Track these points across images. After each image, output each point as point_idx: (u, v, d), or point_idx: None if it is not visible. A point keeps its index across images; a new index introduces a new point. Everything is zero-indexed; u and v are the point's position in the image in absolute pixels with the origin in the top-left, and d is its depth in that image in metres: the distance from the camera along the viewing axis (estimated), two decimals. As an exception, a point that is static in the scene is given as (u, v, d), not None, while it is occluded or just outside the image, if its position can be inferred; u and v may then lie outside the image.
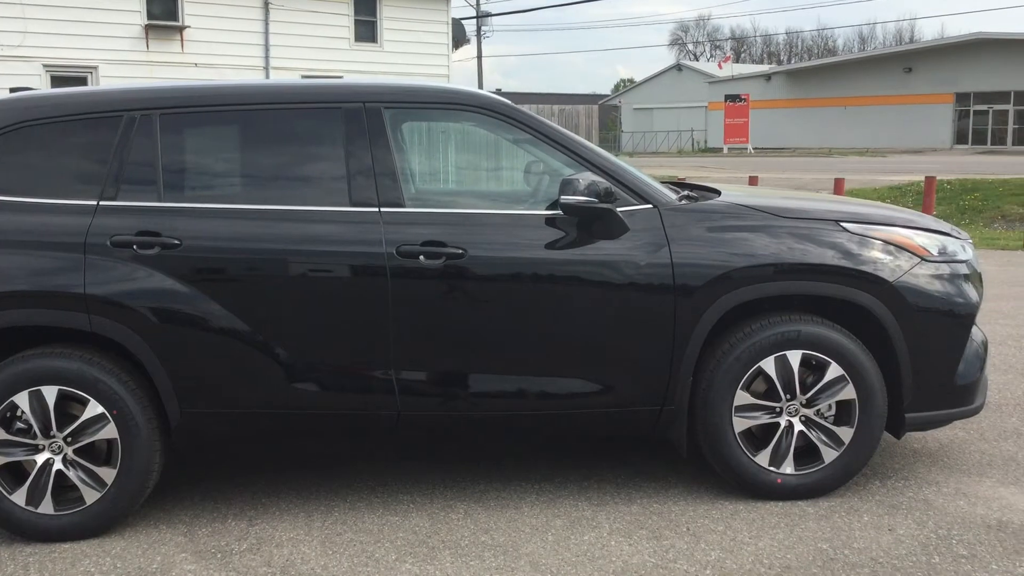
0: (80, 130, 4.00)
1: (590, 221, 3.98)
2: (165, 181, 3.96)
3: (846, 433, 4.10)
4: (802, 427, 4.10)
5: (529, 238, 3.99)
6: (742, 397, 4.07)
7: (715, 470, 4.21)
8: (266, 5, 20.73)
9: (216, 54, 20.13)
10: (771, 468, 4.10)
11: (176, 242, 3.86)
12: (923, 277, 4.11)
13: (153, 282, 3.84)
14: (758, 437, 4.14)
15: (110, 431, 3.87)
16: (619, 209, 4.01)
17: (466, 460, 4.64)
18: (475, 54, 45.37)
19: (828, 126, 51.15)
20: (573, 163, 4.11)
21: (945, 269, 4.20)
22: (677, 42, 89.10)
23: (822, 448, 4.11)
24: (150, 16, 19.42)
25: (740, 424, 4.08)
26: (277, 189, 4.02)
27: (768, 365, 4.05)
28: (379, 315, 3.91)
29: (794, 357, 4.05)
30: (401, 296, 3.91)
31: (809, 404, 4.09)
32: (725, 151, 48.50)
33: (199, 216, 3.92)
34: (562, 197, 3.86)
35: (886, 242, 4.12)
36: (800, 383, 4.08)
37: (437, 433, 4.11)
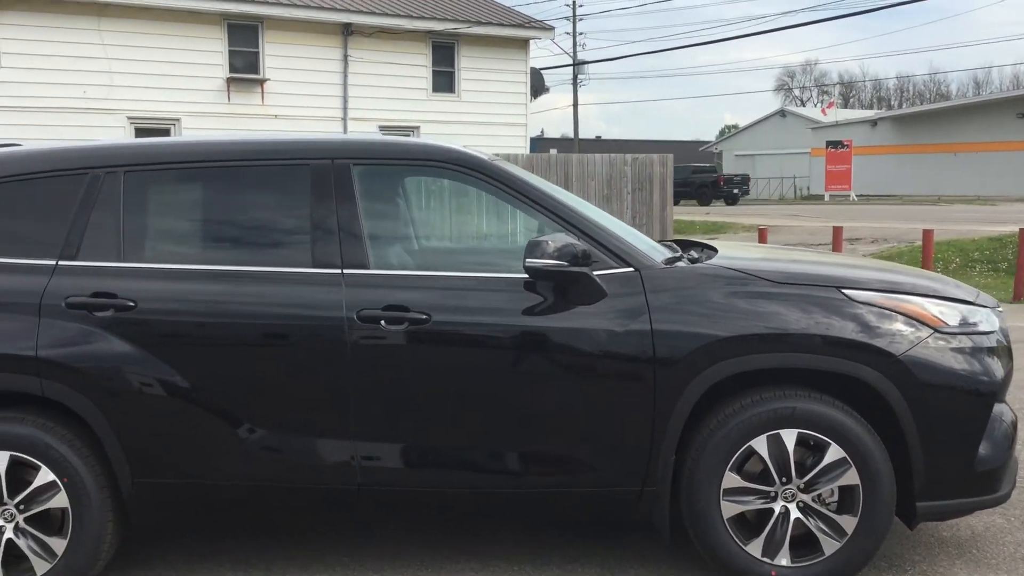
0: (46, 187, 3.92)
1: (564, 285, 3.71)
2: (126, 240, 3.84)
3: (848, 522, 3.70)
4: (799, 514, 3.72)
5: (499, 303, 3.74)
6: (731, 479, 3.71)
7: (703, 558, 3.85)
8: (345, 58, 21.07)
9: (295, 106, 20.51)
10: (764, 559, 3.72)
11: (131, 304, 3.73)
12: (936, 350, 3.71)
13: (106, 346, 3.71)
14: (751, 524, 3.77)
15: (61, 500, 3.73)
16: (597, 273, 3.73)
17: (446, 532, 4.37)
18: (572, 102, 45.46)
19: (937, 172, 49.37)
20: (551, 222, 3.86)
21: (964, 342, 3.79)
22: (783, 87, 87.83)
23: (821, 538, 3.71)
24: (232, 69, 19.92)
25: (729, 509, 3.72)
26: (240, 249, 3.88)
27: (760, 444, 3.69)
28: (338, 384, 3.71)
29: (789, 436, 3.68)
30: (361, 364, 3.70)
31: (807, 489, 3.71)
32: (827, 198, 47.28)
33: (156, 277, 3.79)
34: (527, 260, 3.61)
35: (893, 311, 3.73)
36: (796, 465, 3.70)
37: (400, 509, 3.85)
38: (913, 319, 3.74)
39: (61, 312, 3.73)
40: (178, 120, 19.33)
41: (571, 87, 45.97)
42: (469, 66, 22.71)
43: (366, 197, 3.91)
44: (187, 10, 19.12)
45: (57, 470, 3.71)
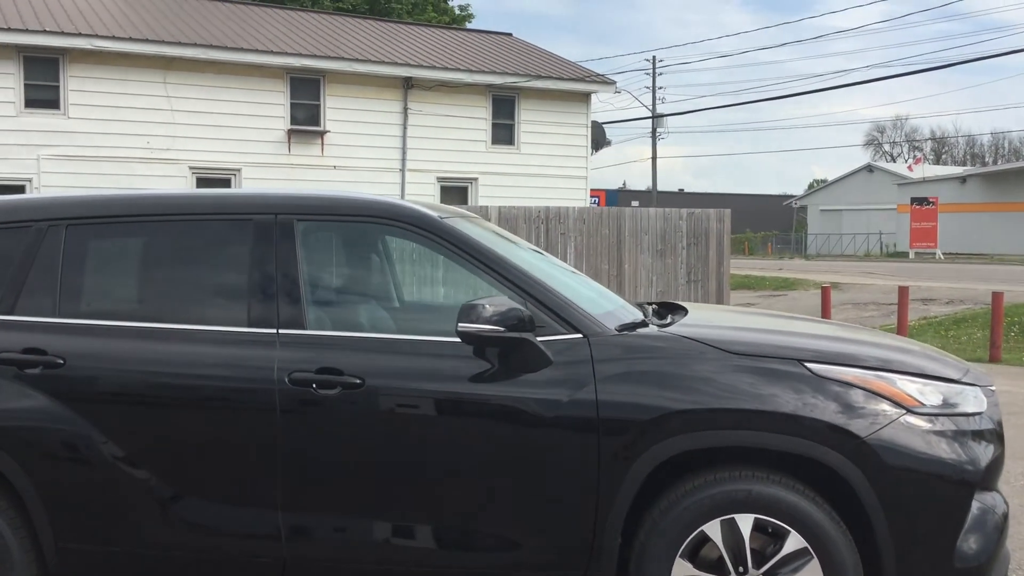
0: None
1: (506, 351, 3.50)
2: (63, 295, 3.76)
3: (811, 619, 3.37)
4: (756, 608, 3.40)
5: (437, 368, 3.54)
6: (682, 567, 3.42)
7: (655, 652, 3.53)
8: (405, 111, 21.25)
9: (354, 157, 20.71)
10: (718, 656, 3.41)
11: (60, 361, 3.63)
12: (909, 432, 3.38)
13: (33, 403, 3.61)
14: (707, 616, 3.47)
15: (-16, 562, 3.61)
16: (543, 338, 3.51)
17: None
18: (651, 155, 45.33)
19: (1028, 231, 47.67)
20: (497, 284, 3.66)
21: (944, 424, 3.46)
22: (873, 142, 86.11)
23: (780, 636, 3.38)
24: (293, 121, 20.23)
25: (680, 599, 3.43)
26: (177, 305, 3.76)
27: (713, 530, 3.40)
28: (266, 450, 3.54)
29: (744, 521, 3.38)
30: (290, 429, 3.53)
31: (765, 580, 3.40)
32: (912, 255, 46.04)
33: (87, 334, 3.69)
34: (459, 324, 3.40)
35: (861, 388, 3.42)
36: (753, 554, 3.40)
37: (328, 586, 3.64)
38: (883, 397, 3.42)
39: None
40: (239, 170, 19.66)
41: (652, 140, 45.80)
42: (529, 119, 22.72)
43: (309, 254, 3.77)
44: (252, 64, 19.52)
45: (-18, 531, 3.60)
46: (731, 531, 3.39)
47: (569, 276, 4.47)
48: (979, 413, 3.57)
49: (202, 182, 19.36)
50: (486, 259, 3.67)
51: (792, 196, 71.05)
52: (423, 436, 3.51)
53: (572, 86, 22.97)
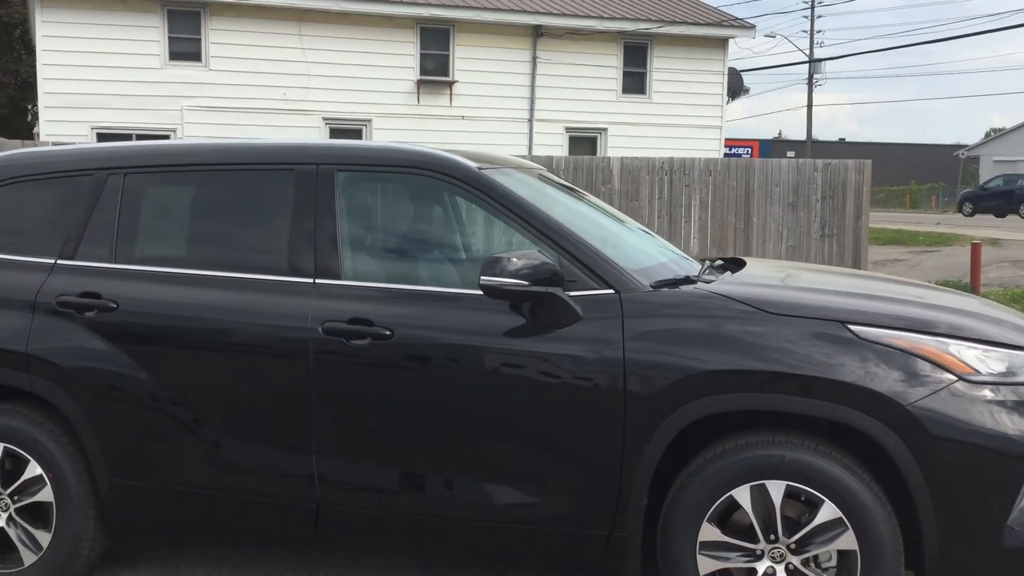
0: (55, 188, 4.04)
1: (534, 306, 3.43)
2: (119, 241, 3.90)
3: (843, 593, 3.21)
4: (786, 578, 3.26)
5: (465, 321, 3.51)
6: (709, 532, 3.31)
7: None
8: (533, 60, 21.09)
9: (482, 107, 20.72)
10: (743, 625, 3.29)
11: (113, 305, 3.78)
12: (958, 401, 3.15)
13: (89, 344, 3.78)
14: (737, 583, 3.35)
15: (47, 494, 3.83)
16: (574, 293, 3.43)
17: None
18: (806, 103, 43.73)
19: None
20: (530, 236, 3.59)
21: (1004, 393, 3.20)
22: None
23: (810, 608, 3.24)
24: (423, 72, 20.38)
25: (707, 565, 3.32)
26: (222, 253, 3.84)
27: (742, 495, 3.27)
28: (300, 397, 3.60)
29: (776, 488, 3.24)
30: (322, 378, 3.57)
31: (797, 550, 3.25)
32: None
33: (139, 279, 3.82)
34: (481, 278, 3.34)
35: (907, 352, 3.20)
36: (784, 522, 3.25)
37: (359, 531, 3.69)
38: (933, 363, 3.19)
39: (53, 310, 3.83)
40: (369, 121, 20.00)
41: (808, 87, 44.09)
42: (662, 67, 22.18)
43: (348, 204, 3.78)
44: (382, 15, 19.73)
45: (44, 464, 3.82)
46: (761, 497, 3.25)
47: (625, 231, 4.35)
48: (1044, 383, 3.29)
49: (335, 132, 19.80)
50: (520, 211, 3.60)
51: (964, 146, 66.96)
52: (450, 389, 3.49)
53: (708, 31, 22.25)
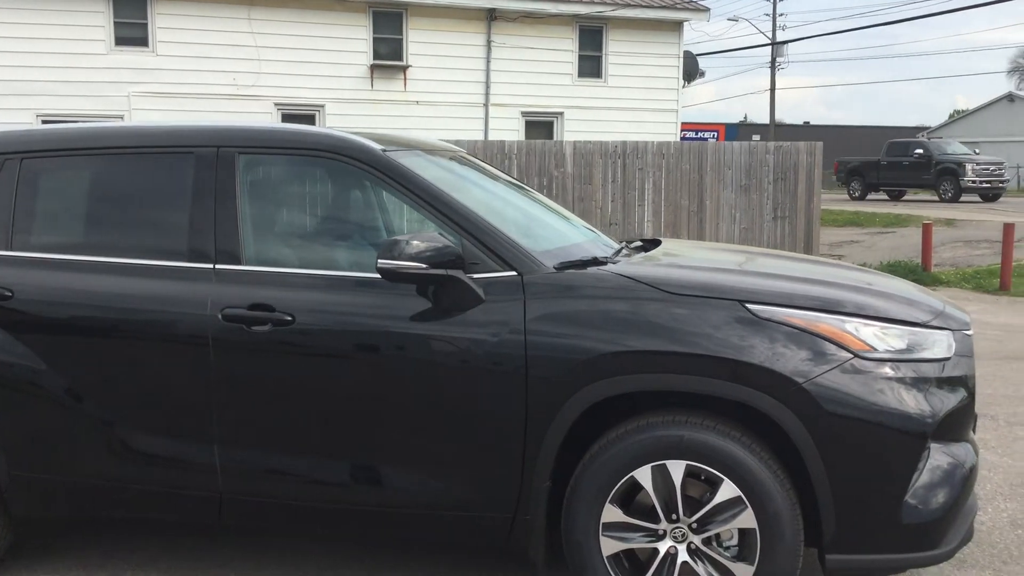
0: None
1: (435, 289, 3.39)
2: (16, 228, 3.81)
3: (744, 571, 3.21)
4: (687, 557, 3.26)
5: (367, 305, 3.46)
6: (612, 512, 3.30)
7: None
8: (488, 44, 21.00)
9: (437, 92, 20.61)
10: (646, 605, 3.29)
11: (8, 293, 3.69)
12: (853, 379, 3.15)
13: None
14: (642, 563, 3.35)
15: (-53, 487, 3.74)
16: (478, 276, 3.40)
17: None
18: (769, 86, 43.86)
19: None
20: (433, 219, 3.54)
21: (901, 370, 3.21)
22: (1018, 69, 79.78)
23: (711, 587, 3.24)
24: (376, 56, 20.22)
25: (610, 546, 3.31)
26: (122, 239, 3.76)
27: (643, 476, 3.26)
28: (202, 385, 3.53)
29: (676, 468, 3.23)
30: (223, 366, 3.51)
31: (699, 529, 3.25)
32: (1053, 190, 43.40)
33: (35, 266, 3.74)
34: (379, 261, 3.30)
35: (803, 331, 3.20)
36: (685, 501, 3.25)
37: (263, 521, 3.64)
38: (829, 341, 3.19)
39: None
40: (322, 106, 19.83)
41: (771, 71, 44.25)
42: (617, 50, 22.17)
43: (250, 188, 3.72)
44: (334, -2, 19.56)
45: (-54, 458, 3.72)
46: (662, 478, 3.25)
47: (542, 212, 4.32)
48: (945, 359, 3.31)
49: (287, 118, 19.62)
50: (424, 193, 3.55)
51: (927, 128, 67.48)
52: (352, 375, 3.45)
53: (662, 14, 22.27)
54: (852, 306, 3.32)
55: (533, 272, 3.41)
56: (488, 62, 21.09)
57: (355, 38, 20.04)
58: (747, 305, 3.24)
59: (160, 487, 3.63)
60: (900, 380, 3.19)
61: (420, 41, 20.53)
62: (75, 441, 3.65)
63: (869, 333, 3.24)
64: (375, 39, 20.28)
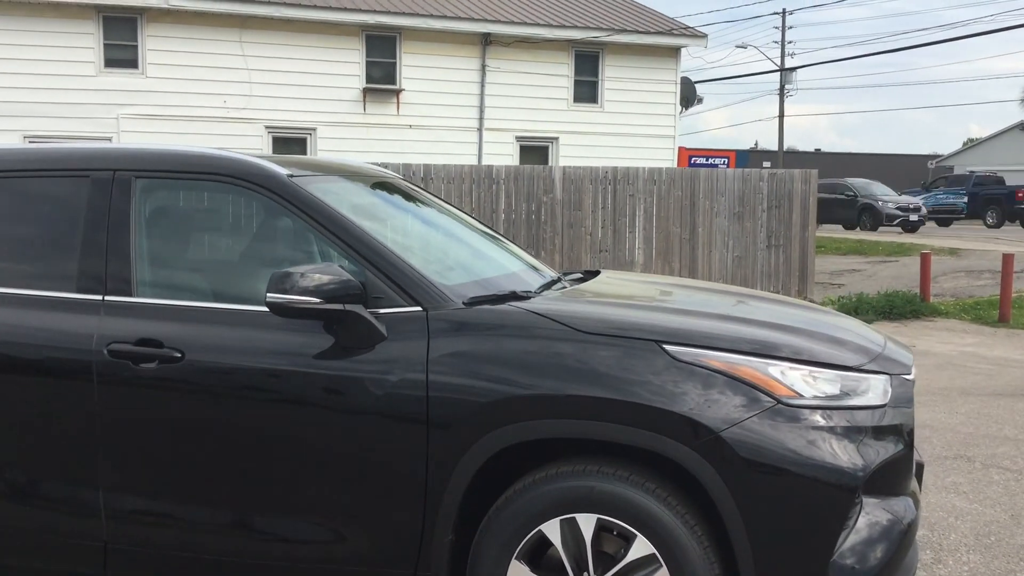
0: None
1: (333, 325, 3.15)
2: None
3: (660, 637, 2.94)
4: (599, 620, 3.00)
5: (261, 341, 3.22)
6: (518, 570, 3.03)
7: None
8: (483, 68, 20.87)
9: (430, 116, 20.45)
10: (555, 670, 3.02)
11: None
12: (776, 427, 2.89)
13: None
14: (552, 624, 3.08)
15: None
16: (382, 311, 3.16)
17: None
18: (782, 112, 43.70)
19: None
20: (338, 250, 3.31)
21: (829, 417, 2.95)
22: None
23: (624, 653, 2.97)
24: (369, 80, 20.10)
25: (517, 606, 3.04)
26: (9, 267, 3.53)
27: (551, 530, 3.00)
28: (86, 426, 3.30)
29: (586, 522, 2.97)
30: (108, 405, 3.28)
31: (611, 589, 2.98)
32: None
33: None
34: (267, 295, 3.06)
35: (724, 375, 2.94)
36: (596, 558, 2.98)
37: (150, 572, 3.39)
38: (751, 386, 2.93)
39: None
40: (314, 130, 19.69)
41: (780, 97, 44.10)
42: (613, 75, 22.01)
43: (147, 215, 3.49)
44: (326, 22, 19.43)
45: None
46: (572, 532, 2.98)
47: (472, 241, 4.09)
48: (880, 406, 3.05)
49: (278, 141, 19.48)
50: (327, 222, 3.32)
51: (939, 156, 67.18)
52: (243, 416, 3.21)
53: (659, 40, 22.14)
54: (779, 348, 3.07)
55: (440, 308, 3.17)
56: (483, 86, 20.95)
57: (348, 61, 19.92)
58: (663, 346, 2.99)
59: (44, 534, 3.38)
60: (829, 429, 2.94)
61: (414, 65, 20.41)
62: (-47, 484, 3.41)
63: (796, 377, 2.99)
64: (368, 62, 20.16)
